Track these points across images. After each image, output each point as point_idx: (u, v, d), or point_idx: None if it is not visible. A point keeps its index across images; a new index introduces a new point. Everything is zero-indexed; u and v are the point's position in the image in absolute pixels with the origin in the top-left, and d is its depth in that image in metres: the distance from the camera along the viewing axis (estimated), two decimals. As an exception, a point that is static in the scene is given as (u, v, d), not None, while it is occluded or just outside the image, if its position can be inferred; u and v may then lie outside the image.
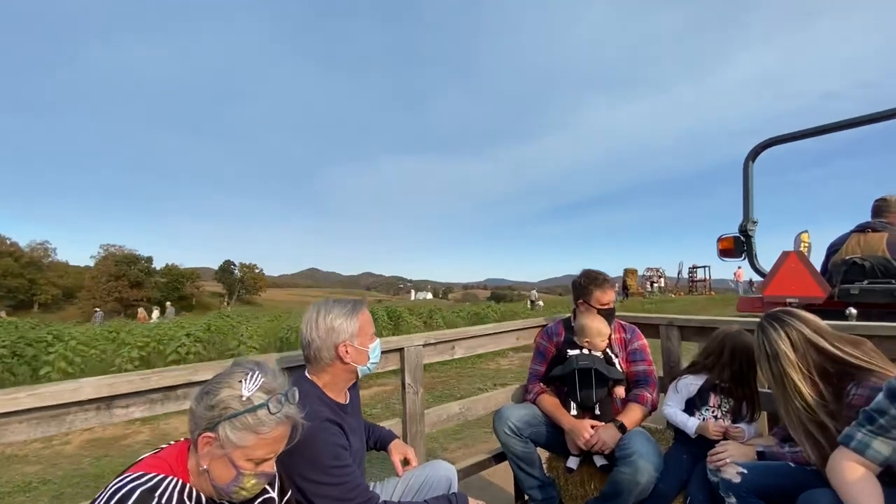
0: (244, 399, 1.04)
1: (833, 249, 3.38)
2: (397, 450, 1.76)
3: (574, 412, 2.13)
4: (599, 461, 2.04)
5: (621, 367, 2.20)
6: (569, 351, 2.18)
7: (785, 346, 1.50)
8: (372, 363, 1.51)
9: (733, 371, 1.90)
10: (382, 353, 1.64)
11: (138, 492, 0.94)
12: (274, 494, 1.22)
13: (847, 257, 3.14)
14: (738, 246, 3.57)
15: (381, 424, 1.91)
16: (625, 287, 28.24)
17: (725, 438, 1.81)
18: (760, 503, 1.50)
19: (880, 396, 1.29)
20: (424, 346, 2.12)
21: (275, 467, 1.12)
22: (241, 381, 1.06)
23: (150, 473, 0.99)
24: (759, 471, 1.55)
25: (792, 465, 1.55)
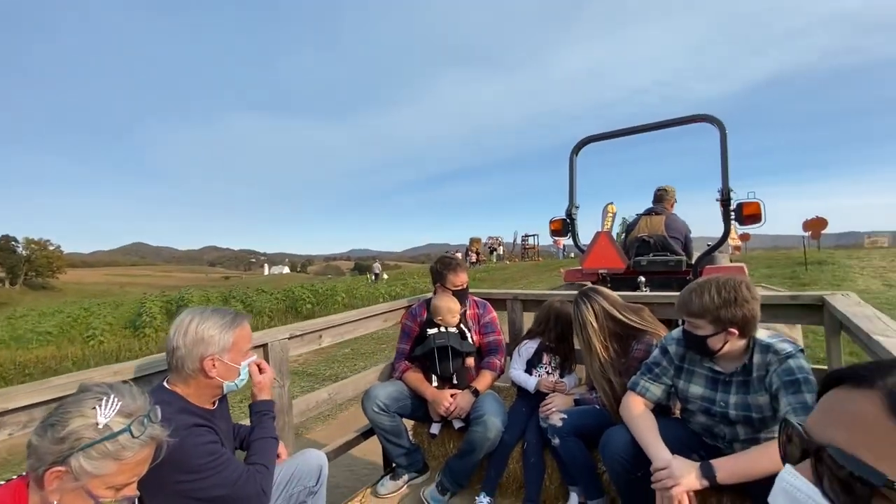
0: (100, 427, 0.94)
1: (629, 229, 4.30)
2: None
3: (435, 384, 2.37)
4: (457, 424, 2.33)
5: (474, 339, 2.50)
6: (428, 330, 2.40)
7: (591, 318, 1.94)
8: (241, 380, 1.45)
9: (557, 333, 2.36)
10: None
11: None
12: None
13: (639, 236, 4.03)
14: (565, 227, 4.26)
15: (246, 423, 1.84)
16: (475, 254, 30.72)
17: (555, 391, 2.24)
18: (575, 439, 1.94)
19: (656, 352, 1.77)
20: (290, 338, 2.07)
21: (136, 490, 1.04)
22: (94, 408, 0.95)
23: None
24: (576, 415, 2.00)
25: (598, 407, 2.02)
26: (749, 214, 3.45)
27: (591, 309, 1.97)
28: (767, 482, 0.51)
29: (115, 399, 0.98)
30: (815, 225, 13.01)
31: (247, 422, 1.76)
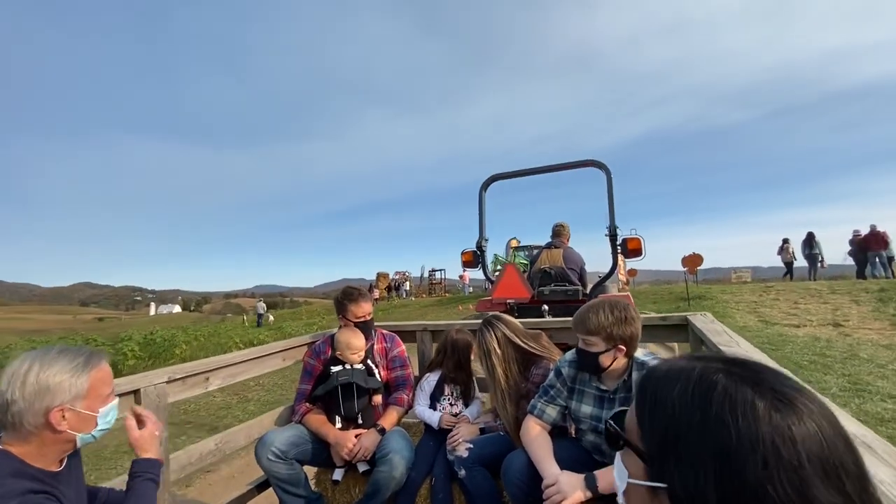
0: None
1: (533, 261, 4.59)
2: None
3: (339, 425, 2.23)
4: (362, 467, 2.20)
5: (381, 374, 2.43)
6: (332, 368, 2.28)
7: (494, 345, 2.01)
8: (100, 430, 1.23)
9: (455, 362, 2.40)
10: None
11: None
12: None
13: (541, 267, 4.32)
14: (476, 258, 4.45)
15: (112, 484, 1.56)
16: (387, 288, 30.10)
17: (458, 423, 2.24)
18: (481, 468, 1.94)
19: (551, 375, 1.87)
20: (169, 382, 1.83)
21: None
22: None
23: None
24: (480, 443, 2.01)
25: (502, 433, 2.06)
26: (633, 248, 3.91)
27: (493, 336, 2.04)
28: None
29: None
30: (692, 261, 14.75)
31: (118, 481, 1.49)
